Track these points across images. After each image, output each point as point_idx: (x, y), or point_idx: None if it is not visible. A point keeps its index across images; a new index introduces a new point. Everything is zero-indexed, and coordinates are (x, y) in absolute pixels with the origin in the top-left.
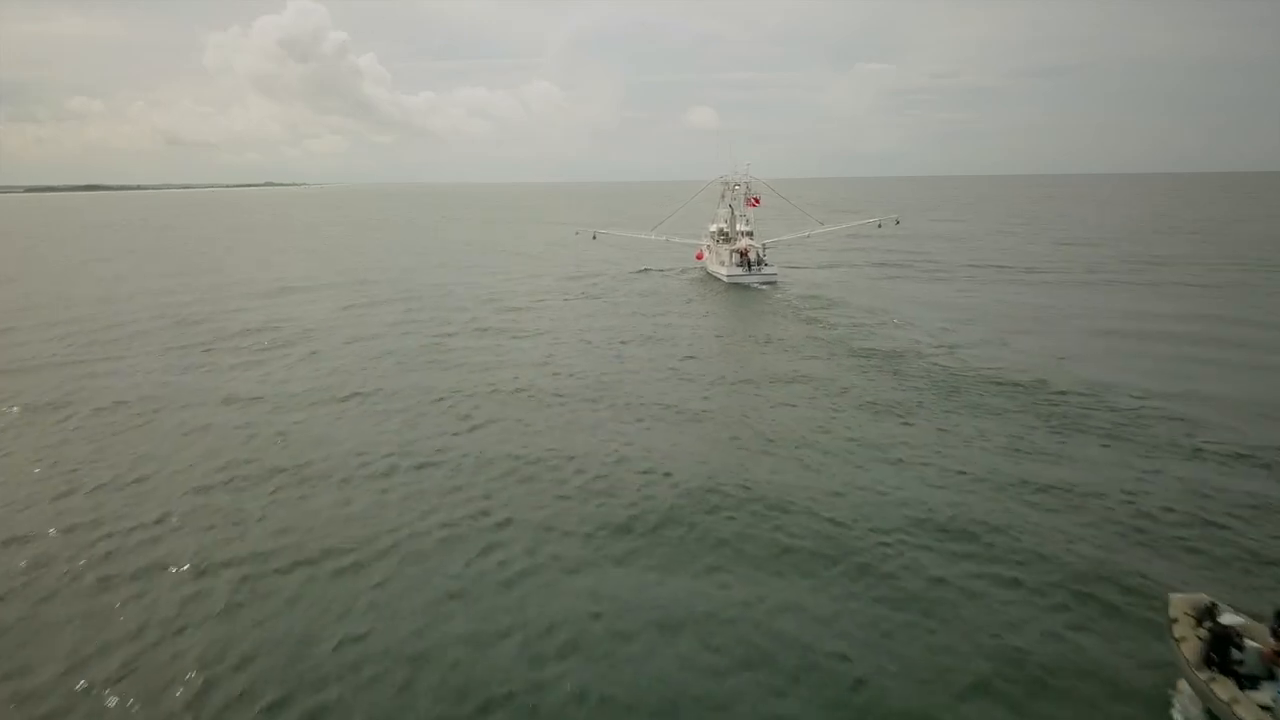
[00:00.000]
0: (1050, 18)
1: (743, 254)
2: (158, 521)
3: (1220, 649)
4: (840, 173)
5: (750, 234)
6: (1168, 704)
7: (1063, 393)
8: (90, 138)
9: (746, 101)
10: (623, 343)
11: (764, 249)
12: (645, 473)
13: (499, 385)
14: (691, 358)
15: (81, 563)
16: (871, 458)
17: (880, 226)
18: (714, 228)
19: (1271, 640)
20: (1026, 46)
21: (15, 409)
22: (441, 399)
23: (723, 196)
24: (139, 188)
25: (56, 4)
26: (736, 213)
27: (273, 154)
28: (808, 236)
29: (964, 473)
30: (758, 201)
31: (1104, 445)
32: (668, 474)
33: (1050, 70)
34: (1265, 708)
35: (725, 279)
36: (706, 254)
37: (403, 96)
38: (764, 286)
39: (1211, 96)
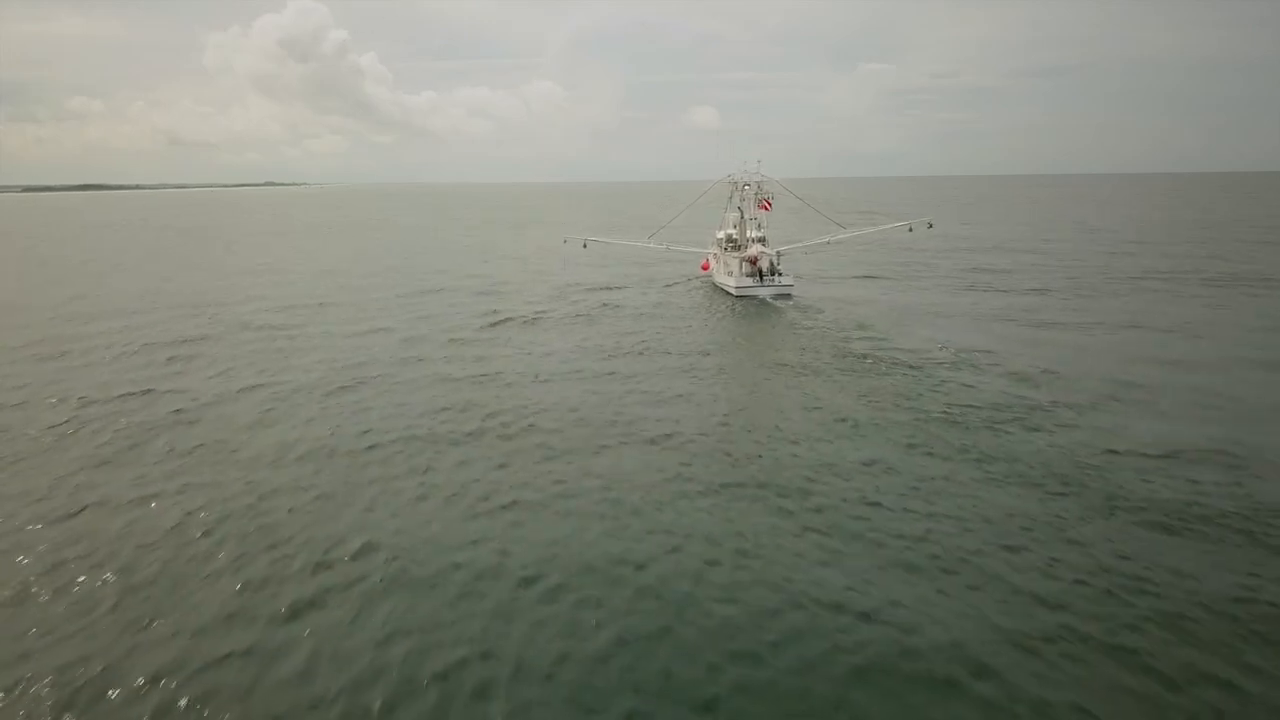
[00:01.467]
0: (1050, 18)
1: (754, 263)
2: None
3: None
4: (840, 173)
5: (762, 240)
6: None
7: None
8: (90, 137)
9: (746, 101)
10: (610, 373)
11: (778, 257)
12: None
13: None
14: (682, 396)
15: None
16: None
17: (911, 231)
18: (721, 234)
19: None
20: (1026, 46)
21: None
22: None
23: (730, 198)
24: (137, 187)
25: (56, 4)
26: (746, 216)
27: (273, 154)
28: (828, 243)
29: None
30: (770, 205)
31: None
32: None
33: (1050, 70)
34: None
35: (734, 291)
36: (713, 263)
37: (404, 96)
38: (778, 301)
39: (1211, 96)
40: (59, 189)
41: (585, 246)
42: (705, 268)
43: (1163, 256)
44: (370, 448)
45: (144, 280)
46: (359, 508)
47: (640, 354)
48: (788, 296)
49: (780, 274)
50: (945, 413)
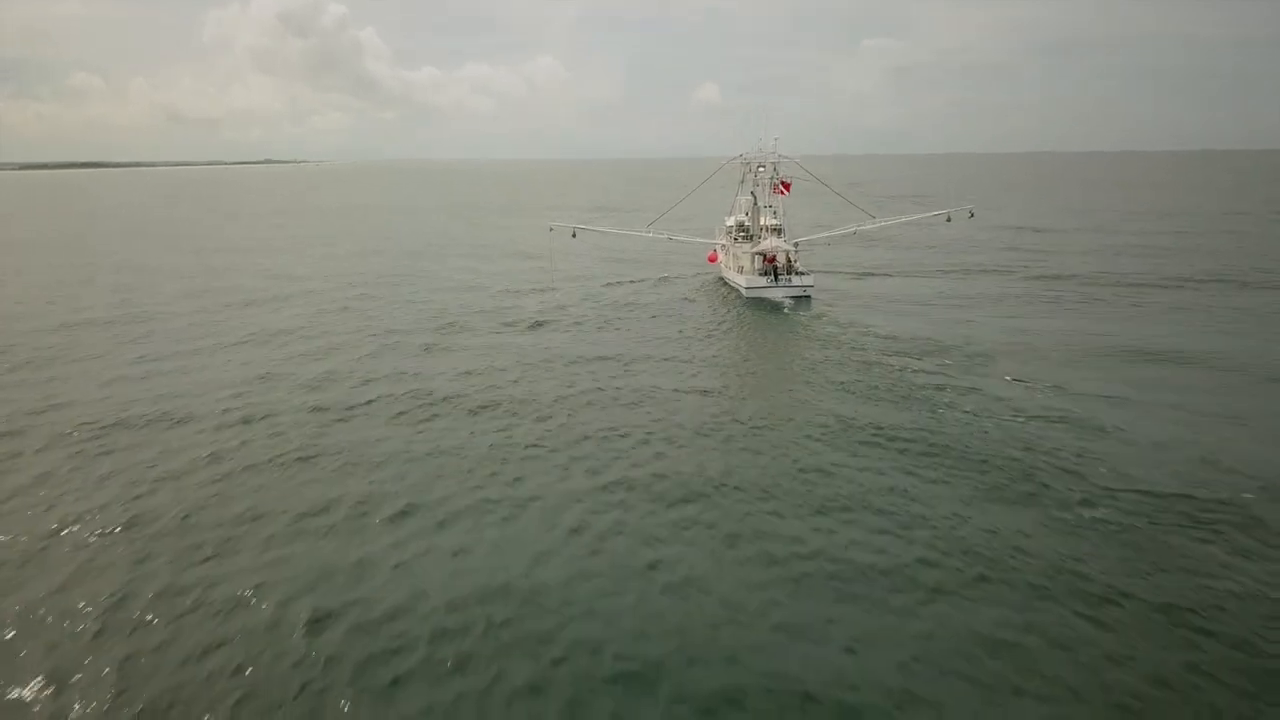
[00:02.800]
0: None
1: (768, 259)
2: None
3: None
4: (847, 149)
5: (779, 230)
6: None
7: None
8: (91, 115)
9: (754, 78)
10: (568, 414)
11: (796, 250)
12: None
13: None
14: (663, 455)
15: None
16: None
17: (949, 221)
18: (731, 221)
19: None
20: (1031, 25)
21: None
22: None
23: (743, 181)
24: (136, 165)
25: None
26: (761, 203)
27: (275, 130)
28: (854, 233)
29: None
30: (788, 188)
31: None
32: None
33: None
34: None
35: (745, 291)
36: (721, 255)
37: (404, 72)
38: (795, 303)
39: (1223, 72)
40: (54, 167)
41: (575, 236)
42: (713, 259)
43: None
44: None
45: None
46: None
47: (608, 404)
48: (807, 299)
49: (799, 272)
50: (983, 463)
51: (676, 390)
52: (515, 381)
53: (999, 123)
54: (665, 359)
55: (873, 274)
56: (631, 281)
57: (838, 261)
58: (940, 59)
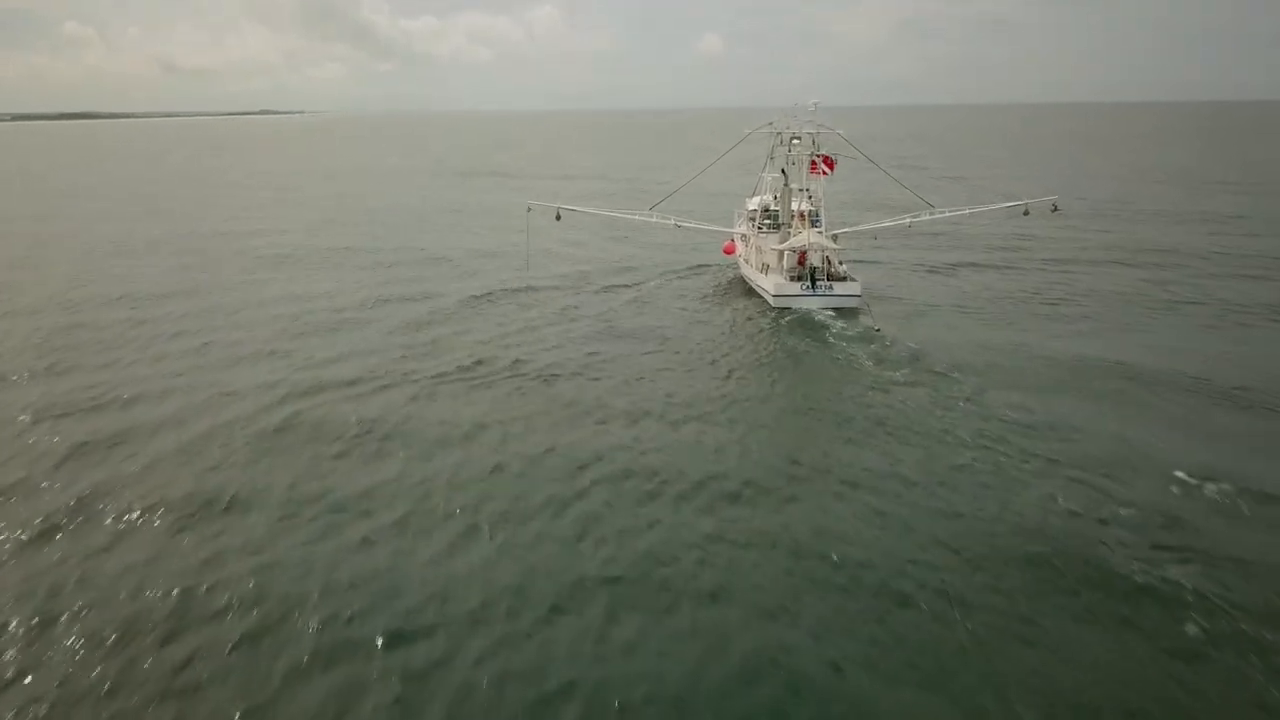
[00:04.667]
0: None
1: (802, 260)
2: None
3: None
4: (856, 102)
5: (815, 219)
6: None
7: None
8: (86, 65)
9: (758, 27)
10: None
11: (837, 247)
12: None
13: None
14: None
15: None
16: None
17: (1027, 214)
18: (754, 204)
19: None
20: None
21: None
22: None
23: (771, 157)
24: (129, 116)
25: None
26: (793, 184)
27: (271, 81)
28: (909, 225)
29: None
30: (832, 166)
31: None
32: None
33: None
34: None
35: (771, 299)
36: (740, 246)
37: (403, 20)
38: (837, 315)
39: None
40: (41, 118)
41: (559, 218)
42: (730, 250)
43: None
44: None
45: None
46: None
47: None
48: (853, 311)
49: (842, 277)
50: None
51: (682, 475)
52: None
53: (1015, 73)
54: (648, 411)
55: (937, 266)
56: (625, 285)
57: (884, 242)
58: (949, 9)
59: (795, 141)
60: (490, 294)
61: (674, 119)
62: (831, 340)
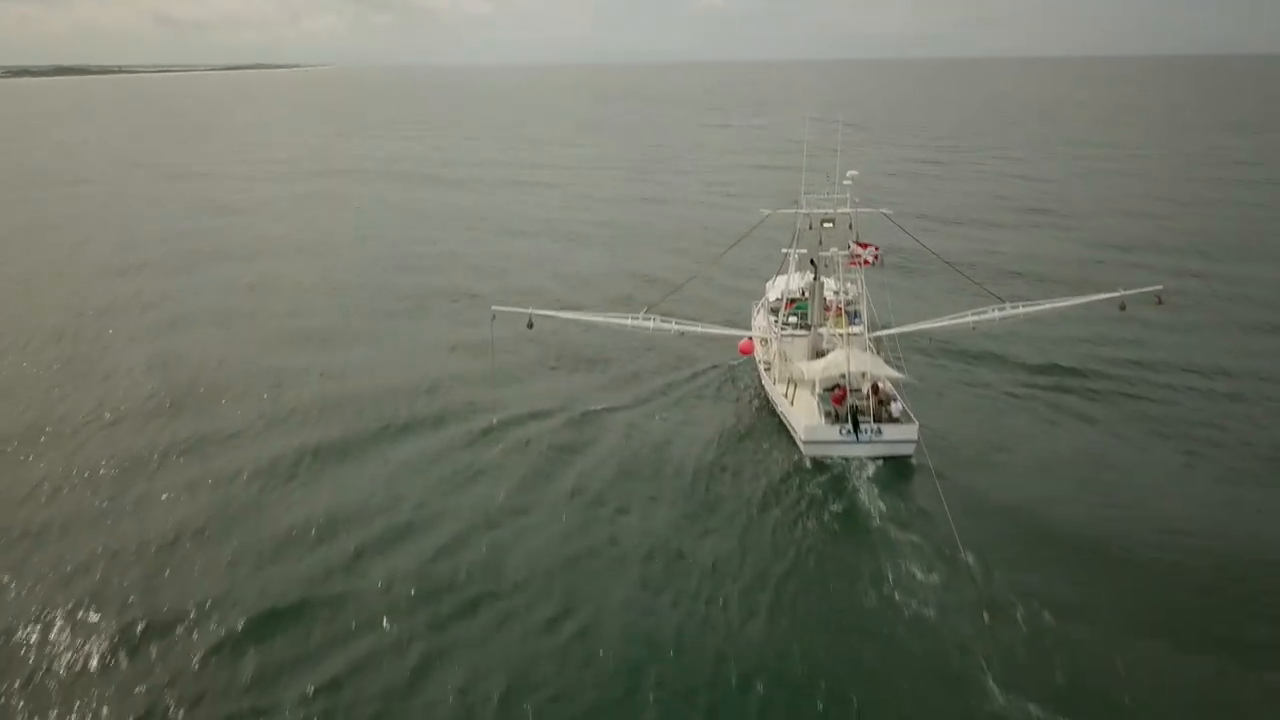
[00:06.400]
0: None
1: (840, 397)
2: None
3: None
4: (849, 54)
5: (855, 315)
6: None
7: None
8: (77, 17)
9: None
10: None
11: (890, 374)
12: None
13: None
14: None
15: None
16: None
17: (1124, 309)
18: (775, 293)
19: None
20: None
21: None
22: None
23: (794, 241)
24: (119, 70)
25: None
26: (826, 276)
27: (268, 34)
28: (973, 327)
29: None
30: (876, 256)
31: None
32: None
33: None
34: None
35: (803, 444)
36: (759, 349)
37: None
38: (886, 474)
39: None
40: (41, 73)
41: (531, 326)
42: (747, 350)
43: None
44: None
45: None
46: None
47: None
48: (906, 460)
49: (894, 416)
50: None
51: None
52: None
53: (1014, 26)
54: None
55: (1017, 382)
56: (616, 408)
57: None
58: None
59: (827, 226)
60: (444, 433)
61: (676, 81)
62: (877, 519)
